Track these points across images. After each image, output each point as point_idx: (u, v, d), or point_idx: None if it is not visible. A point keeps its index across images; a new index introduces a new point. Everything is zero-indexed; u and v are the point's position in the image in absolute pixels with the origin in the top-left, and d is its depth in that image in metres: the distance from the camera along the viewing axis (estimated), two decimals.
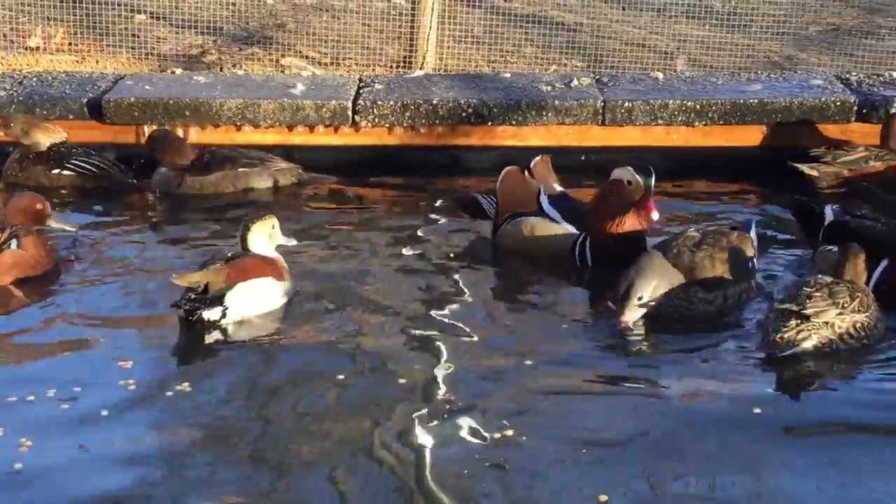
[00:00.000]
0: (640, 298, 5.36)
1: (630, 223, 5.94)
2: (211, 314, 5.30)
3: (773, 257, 6.27)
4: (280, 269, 5.56)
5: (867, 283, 5.39)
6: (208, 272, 5.37)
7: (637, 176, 5.85)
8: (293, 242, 5.76)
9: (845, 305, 5.11)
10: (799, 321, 5.05)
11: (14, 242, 5.83)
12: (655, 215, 5.87)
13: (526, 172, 6.26)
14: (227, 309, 5.33)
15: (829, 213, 5.97)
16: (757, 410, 4.72)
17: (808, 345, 5.06)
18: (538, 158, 6.32)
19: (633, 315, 5.35)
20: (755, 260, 5.81)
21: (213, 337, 5.33)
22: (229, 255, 5.56)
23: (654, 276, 5.41)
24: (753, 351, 5.23)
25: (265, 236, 5.57)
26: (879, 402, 4.85)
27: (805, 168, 7.08)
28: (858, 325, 5.12)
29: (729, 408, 4.77)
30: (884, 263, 5.49)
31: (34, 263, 5.87)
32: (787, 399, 4.95)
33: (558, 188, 6.31)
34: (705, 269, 5.52)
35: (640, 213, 5.92)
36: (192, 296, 5.29)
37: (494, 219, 6.30)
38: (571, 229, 6.06)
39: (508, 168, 6.33)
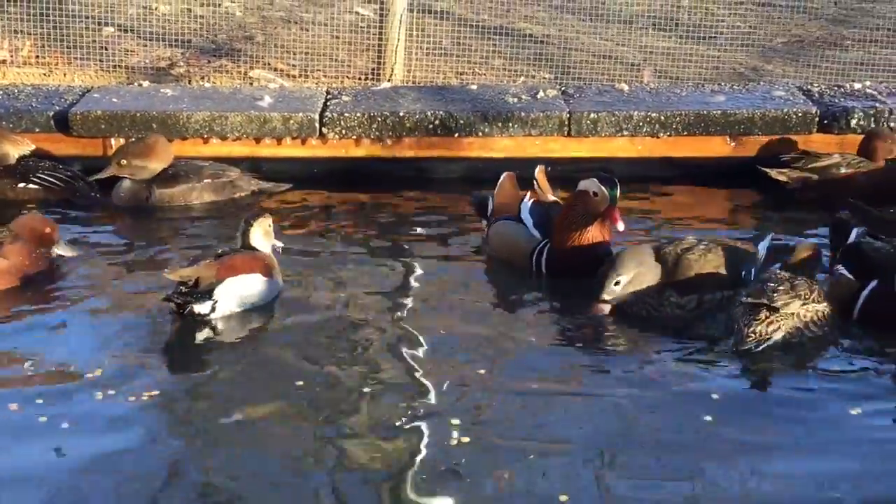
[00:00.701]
0: (617, 283, 5.46)
1: (593, 234, 5.99)
2: (201, 308, 5.47)
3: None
4: (269, 266, 5.78)
5: (855, 303, 5.51)
6: (199, 267, 5.55)
7: (602, 187, 5.91)
8: (280, 245, 5.99)
9: (807, 297, 5.27)
10: (768, 314, 5.16)
11: None
12: (621, 226, 5.92)
13: (533, 181, 6.42)
14: (216, 303, 5.50)
15: (853, 234, 5.91)
16: (717, 409, 4.80)
17: (778, 336, 5.17)
18: (539, 168, 6.51)
19: (609, 297, 5.44)
20: (755, 271, 5.79)
21: (189, 342, 5.42)
22: (219, 251, 5.76)
23: (635, 265, 5.51)
24: (721, 348, 5.30)
25: (262, 233, 5.84)
26: (842, 389, 5.01)
27: (772, 172, 7.17)
28: (820, 314, 5.30)
29: (691, 404, 4.85)
30: (872, 284, 5.54)
31: (13, 271, 5.88)
32: (753, 392, 5.03)
33: (551, 197, 6.42)
34: (687, 270, 5.58)
35: (606, 224, 5.99)
36: (183, 290, 5.45)
37: (488, 219, 6.48)
38: (536, 235, 6.12)
39: (506, 173, 6.53)
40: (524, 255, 6.12)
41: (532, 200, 6.27)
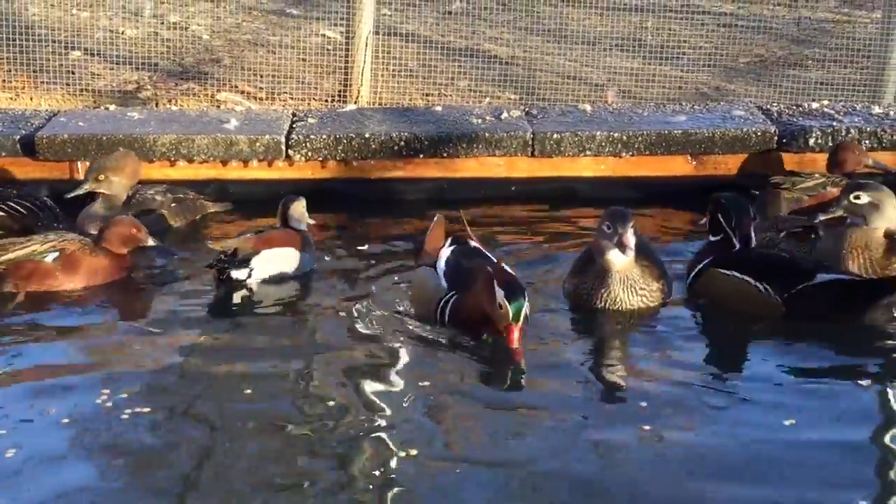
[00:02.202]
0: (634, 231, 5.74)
1: (493, 332, 5.54)
2: (238, 274, 6.26)
3: None
4: (303, 241, 6.52)
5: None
6: (239, 240, 6.41)
7: (507, 302, 5.32)
8: (313, 222, 6.73)
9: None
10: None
11: (53, 255, 6.18)
12: (515, 346, 5.35)
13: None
14: (252, 270, 6.28)
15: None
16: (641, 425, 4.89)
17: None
18: (463, 212, 6.33)
19: (631, 240, 5.72)
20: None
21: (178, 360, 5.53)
22: (259, 228, 6.61)
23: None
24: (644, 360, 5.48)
25: (298, 214, 6.62)
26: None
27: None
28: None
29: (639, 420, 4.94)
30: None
31: (59, 277, 6.19)
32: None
33: (473, 243, 6.16)
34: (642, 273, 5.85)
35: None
36: (223, 258, 6.24)
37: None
38: (443, 286, 5.77)
39: (437, 217, 6.29)
40: (429, 304, 5.80)
41: (452, 248, 5.98)
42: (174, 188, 7.38)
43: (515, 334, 5.32)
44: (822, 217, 6.21)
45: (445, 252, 5.94)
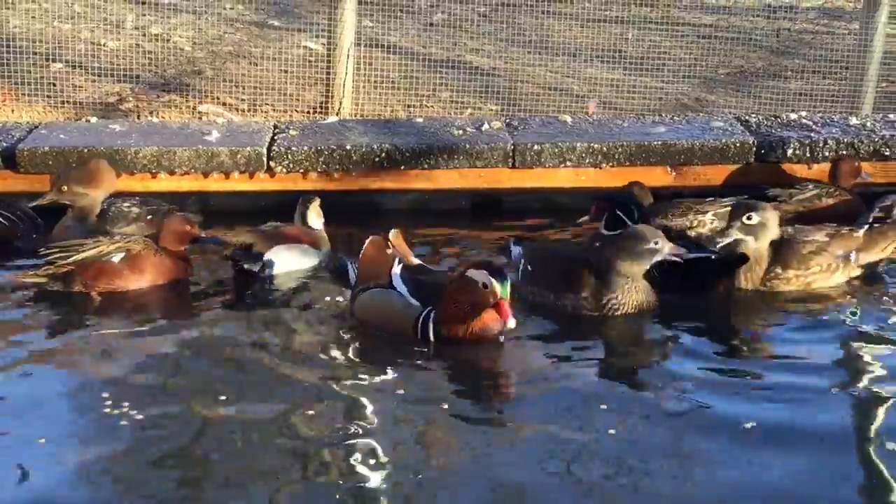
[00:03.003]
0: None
1: (484, 321, 5.66)
2: (252, 266, 6.60)
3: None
4: (317, 239, 6.91)
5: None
6: (255, 233, 6.73)
7: (493, 280, 5.52)
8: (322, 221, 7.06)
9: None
10: None
11: (119, 255, 6.37)
12: (512, 322, 5.57)
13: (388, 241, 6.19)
14: (265, 264, 6.61)
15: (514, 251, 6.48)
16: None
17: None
18: (394, 231, 6.26)
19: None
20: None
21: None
22: (277, 224, 6.90)
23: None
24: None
25: (315, 214, 7.00)
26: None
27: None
28: None
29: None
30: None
31: (126, 277, 6.39)
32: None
33: (415, 260, 6.22)
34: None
35: (496, 317, 5.63)
36: (240, 251, 6.58)
37: (353, 287, 6.18)
38: (415, 304, 5.79)
39: (371, 238, 6.18)
40: (406, 324, 5.77)
41: (401, 267, 5.99)
42: (148, 200, 7.31)
43: (508, 308, 5.51)
44: (720, 242, 6.39)
45: (397, 271, 5.92)
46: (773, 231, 6.38)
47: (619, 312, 5.99)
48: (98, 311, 6.23)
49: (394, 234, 6.23)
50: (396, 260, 6.01)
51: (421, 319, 5.72)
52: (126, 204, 7.18)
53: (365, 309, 5.99)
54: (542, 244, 7.00)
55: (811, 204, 7.38)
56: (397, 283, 5.86)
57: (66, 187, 7.02)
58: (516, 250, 6.54)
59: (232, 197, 7.72)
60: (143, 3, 11.09)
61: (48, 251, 6.38)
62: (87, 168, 7.14)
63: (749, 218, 6.29)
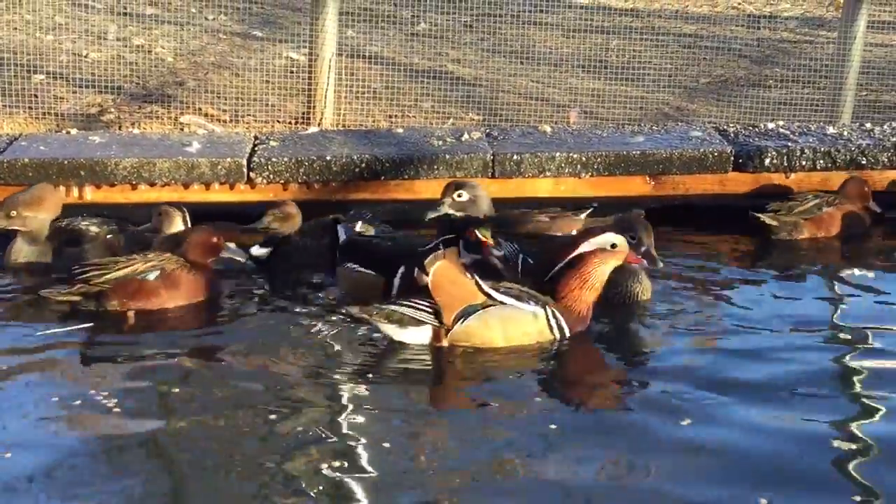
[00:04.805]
0: None
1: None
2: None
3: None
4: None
5: (390, 290, 6.22)
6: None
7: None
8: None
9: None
10: None
11: (154, 273, 6.36)
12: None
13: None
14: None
15: (342, 232, 6.59)
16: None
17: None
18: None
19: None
20: None
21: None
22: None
23: None
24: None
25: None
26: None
27: (766, 218, 7.43)
28: None
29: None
30: (401, 270, 6.22)
31: (161, 295, 6.38)
32: None
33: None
34: None
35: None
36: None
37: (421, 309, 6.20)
38: (537, 309, 5.91)
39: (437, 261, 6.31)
40: (543, 336, 5.93)
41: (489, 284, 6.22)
42: (108, 220, 7.23)
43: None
44: (431, 215, 6.79)
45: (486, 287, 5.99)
46: (483, 208, 6.81)
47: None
48: (134, 329, 6.22)
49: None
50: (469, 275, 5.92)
51: (551, 325, 5.89)
52: (85, 222, 7.13)
53: (488, 330, 5.84)
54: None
55: (812, 214, 7.48)
56: (501, 297, 5.86)
57: (14, 212, 6.95)
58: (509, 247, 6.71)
59: (212, 208, 7.71)
60: (126, 14, 11.12)
61: (82, 269, 6.35)
62: (34, 192, 7.09)
63: (459, 195, 6.75)
